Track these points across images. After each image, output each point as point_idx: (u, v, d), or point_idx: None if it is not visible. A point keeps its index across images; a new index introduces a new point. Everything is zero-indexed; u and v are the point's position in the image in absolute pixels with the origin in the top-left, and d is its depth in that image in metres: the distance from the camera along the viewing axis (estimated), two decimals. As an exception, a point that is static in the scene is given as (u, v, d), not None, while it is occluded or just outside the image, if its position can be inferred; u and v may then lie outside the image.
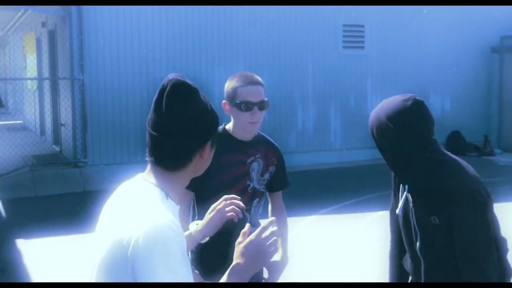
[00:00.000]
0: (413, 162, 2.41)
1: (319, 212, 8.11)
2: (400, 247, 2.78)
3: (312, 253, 6.40)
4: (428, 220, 2.44)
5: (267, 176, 2.94)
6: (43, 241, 6.86)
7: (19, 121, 18.54)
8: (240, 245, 1.88)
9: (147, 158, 1.78)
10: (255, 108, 2.77)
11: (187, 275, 1.62)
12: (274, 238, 1.88)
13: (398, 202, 2.68)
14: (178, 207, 1.79)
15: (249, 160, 2.87)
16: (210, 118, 1.78)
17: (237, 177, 2.84)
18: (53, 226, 7.31)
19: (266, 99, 2.83)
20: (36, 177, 9.84)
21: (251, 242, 1.87)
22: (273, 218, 1.99)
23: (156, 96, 1.75)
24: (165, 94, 1.72)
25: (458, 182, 2.36)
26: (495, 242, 2.42)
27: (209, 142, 1.79)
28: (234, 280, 1.82)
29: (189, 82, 1.76)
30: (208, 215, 2.28)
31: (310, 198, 8.79)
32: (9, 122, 18.36)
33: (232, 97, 2.78)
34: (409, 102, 2.37)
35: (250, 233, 2.83)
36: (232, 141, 2.86)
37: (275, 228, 1.90)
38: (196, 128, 1.74)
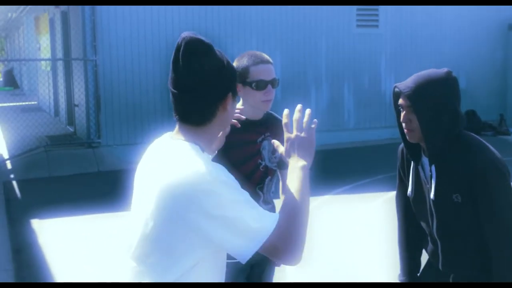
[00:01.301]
0: (453, 134, 2.40)
1: (332, 192, 8.10)
2: (408, 232, 2.76)
3: (325, 233, 6.40)
4: (449, 198, 2.41)
5: (278, 154, 2.92)
6: (58, 221, 6.91)
7: (33, 102, 18.64)
8: (290, 139, 1.93)
9: (174, 117, 1.82)
10: (269, 86, 2.78)
11: (248, 198, 1.71)
12: (314, 120, 1.97)
13: (407, 183, 2.66)
14: (210, 157, 1.83)
15: (260, 139, 2.88)
16: (227, 71, 1.81)
17: (248, 156, 2.85)
18: (68, 207, 7.36)
19: (276, 77, 2.85)
20: (51, 157, 9.90)
21: (298, 136, 1.96)
22: (300, 105, 2.01)
23: (173, 55, 1.79)
24: (181, 52, 1.76)
25: (484, 157, 2.35)
26: None
27: (230, 94, 1.82)
28: (301, 175, 1.83)
29: (203, 38, 1.79)
30: None
31: (323, 178, 8.77)
32: (24, 103, 18.47)
33: (244, 77, 2.77)
34: (452, 76, 2.41)
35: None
36: (243, 121, 2.85)
37: (308, 110, 1.99)
38: (214, 81, 1.77)
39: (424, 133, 2.40)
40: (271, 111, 2.99)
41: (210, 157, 1.81)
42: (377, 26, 12.28)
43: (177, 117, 1.82)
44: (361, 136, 12.02)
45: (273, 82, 2.80)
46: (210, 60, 1.77)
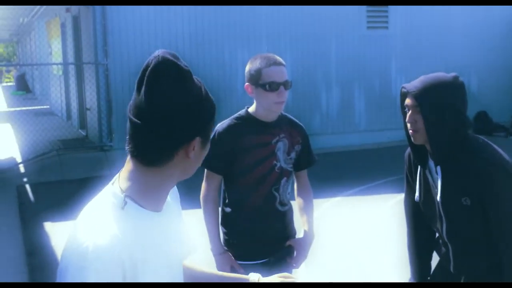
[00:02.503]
0: (459, 138, 2.40)
1: (344, 193, 8.09)
2: (417, 236, 2.76)
3: (337, 235, 6.40)
4: (458, 202, 2.41)
5: (293, 155, 2.96)
6: (70, 224, 6.92)
7: (45, 106, 18.76)
8: None
9: (126, 148, 1.50)
10: (281, 88, 2.79)
11: None
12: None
13: (415, 188, 2.66)
14: (150, 212, 1.49)
15: (274, 140, 2.88)
16: (201, 108, 1.46)
17: (263, 158, 2.86)
18: (80, 210, 7.37)
19: (289, 79, 2.86)
20: (63, 161, 9.97)
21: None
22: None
23: (139, 74, 1.46)
24: (148, 73, 1.43)
25: (492, 160, 2.35)
26: None
27: (198, 139, 1.46)
28: None
29: (180, 61, 1.47)
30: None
31: (335, 179, 8.77)
32: (36, 107, 18.59)
33: (256, 79, 2.79)
34: (460, 80, 2.41)
35: (281, 213, 2.88)
36: (256, 123, 2.87)
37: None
38: (181, 119, 1.42)
39: (429, 134, 2.40)
40: (285, 113, 3.01)
41: (139, 209, 1.47)
42: (386, 27, 12.26)
43: (129, 148, 1.48)
44: (372, 138, 12.00)
45: (285, 84, 2.81)
46: (182, 91, 1.43)
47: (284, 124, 2.95)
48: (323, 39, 11.68)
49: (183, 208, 1.79)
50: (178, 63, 1.46)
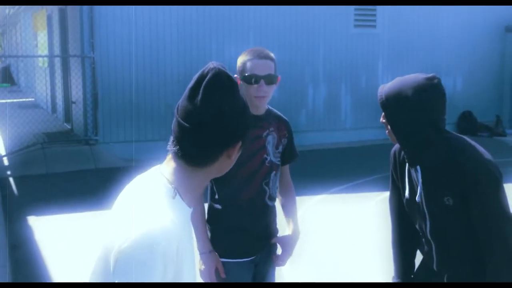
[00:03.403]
0: (428, 140, 2.40)
1: (329, 191, 8.12)
2: (401, 234, 2.78)
3: (321, 232, 6.42)
4: (441, 201, 2.42)
5: (281, 148, 2.95)
6: (54, 218, 6.92)
7: (30, 99, 18.61)
8: None
9: (170, 148, 1.62)
10: (262, 82, 2.74)
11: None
12: None
13: (399, 186, 2.67)
14: (190, 209, 1.64)
15: (265, 134, 2.87)
16: (246, 116, 1.63)
17: (255, 152, 2.83)
18: (64, 203, 7.37)
19: (274, 73, 2.80)
20: (48, 154, 9.90)
21: None
22: None
23: (192, 83, 1.60)
24: (205, 83, 1.57)
25: (475, 159, 2.35)
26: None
27: (240, 143, 1.64)
28: None
29: (231, 74, 1.62)
30: None
31: (320, 177, 8.80)
32: (21, 100, 18.43)
33: (242, 71, 2.78)
34: (434, 81, 2.39)
35: (269, 208, 2.86)
36: None
37: None
38: (231, 125, 1.59)
39: (396, 137, 2.44)
40: (271, 108, 2.98)
41: (185, 205, 1.61)
42: (374, 26, 12.30)
43: (175, 149, 1.61)
44: (358, 136, 12.05)
45: (266, 78, 2.75)
46: (233, 100, 1.59)
47: (272, 118, 2.93)
48: (311, 37, 11.70)
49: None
50: (230, 75, 1.61)
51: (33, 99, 18.28)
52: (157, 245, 1.45)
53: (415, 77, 2.42)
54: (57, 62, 13.35)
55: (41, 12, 14.96)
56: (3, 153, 10.24)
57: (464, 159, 2.35)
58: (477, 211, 2.35)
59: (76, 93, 10.98)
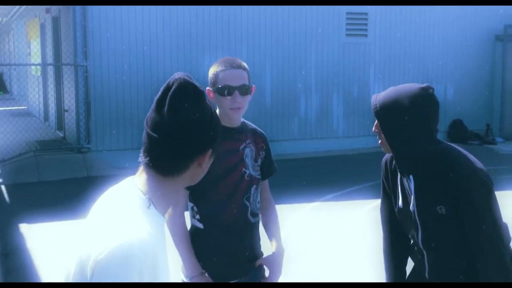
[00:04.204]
0: (421, 149, 2.41)
1: (321, 199, 8.14)
2: (393, 243, 2.78)
3: (314, 240, 6.44)
4: (433, 210, 2.42)
5: (259, 162, 2.84)
6: (46, 226, 6.91)
7: (23, 107, 18.57)
8: None
9: (141, 159, 1.65)
10: (236, 93, 2.63)
11: None
12: None
13: (390, 194, 2.69)
14: (163, 218, 1.65)
15: (242, 147, 2.75)
16: (214, 124, 1.67)
17: (233, 165, 2.72)
18: (56, 211, 7.35)
19: (248, 83, 2.68)
20: (40, 162, 9.89)
21: None
22: None
23: (159, 95, 1.64)
24: (170, 93, 1.61)
25: (467, 168, 2.37)
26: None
27: (210, 150, 1.67)
28: None
29: (197, 84, 1.65)
30: None
31: (312, 185, 8.82)
32: (14, 108, 18.40)
33: (214, 83, 2.67)
34: (429, 91, 2.40)
35: (252, 225, 2.77)
36: (222, 129, 2.73)
37: None
38: (199, 133, 1.62)
39: (390, 146, 2.45)
40: (246, 121, 2.86)
41: (159, 215, 1.62)
42: (366, 35, 12.37)
43: (146, 160, 1.63)
44: (350, 144, 12.09)
45: (240, 89, 2.64)
46: (200, 109, 1.62)
47: (247, 131, 2.81)
48: (303, 45, 11.75)
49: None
50: (196, 85, 1.64)
51: (25, 107, 18.24)
52: (133, 257, 1.46)
53: (410, 86, 2.43)
54: (50, 70, 13.35)
55: (34, 20, 14.96)
56: (-5, 161, 10.22)
57: (456, 168, 2.37)
58: (470, 219, 2.36)
59: (69, 101, 10.98)
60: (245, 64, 2.73)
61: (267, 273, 2.86)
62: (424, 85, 2.44)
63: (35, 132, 11.44)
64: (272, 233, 2.89)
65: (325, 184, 8.92)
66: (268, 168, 2.90)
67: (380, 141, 2.51)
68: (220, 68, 2.67)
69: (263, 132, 2.93)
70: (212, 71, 2.71)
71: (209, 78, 2.71)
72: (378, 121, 2.45)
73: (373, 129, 2.50)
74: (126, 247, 1.47)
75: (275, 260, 2.82)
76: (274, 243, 2.85)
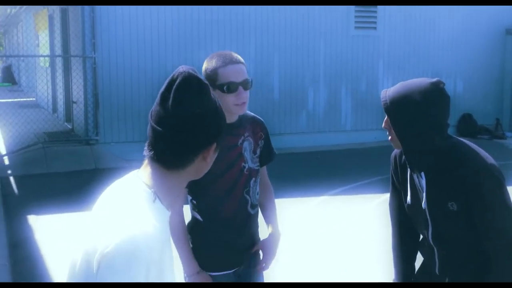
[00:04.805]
0: (432, 145, 2.39)
1: (329, 193, 8.12)
2: (402, 238, 2.77)
3: (322, 233, 6.43)
4: (445, 206, 2.40)
5: (258, 152, 2.84)
6: (54, 217, 6.93)
7: (31, 98, 18.63)
8: None
9: (146, 153, 1.65)
10: (240, 88, 2.59)
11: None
12: None
13: (400, 189, 2.67)
14: (168, 212, 1.65)
15: (240, 141, 2.74)
16: (218, 118, 1.65)
17: (233, 161, 2.71)
18: (65, 203, 7.37)
19: (249, 77, 2.65)
20: (48, 154, 9.91)
21: None
22: None
23: (163, 88, 1.62)
24: (175, 86, 1.59)
25: (478, 164, 2.34)
26: None
27: (215, 144, 1.65)
28: None
29: (201, 77, 1.63)
30: None
31: (320, 179, 8.81)
32: (22, 99, 18.46)
33: (213, 79, 2.58)
34: (440, 86, 2.37)
35: (251, 216, 2.76)
36: None
37: None
38: (204, 127, 1.60)
39: (401, 142, 2.42)
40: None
41: (164, 208, 1.62)
42: (375, 28, 12.30)
43: (150, 153, 1.62)
44: (358, 138, 12.06)
45: (244, 84, 2.60)
46: (204, 102, 1.60)
47: (246, 122, 2.78)
48: (311, 39, 11.70)
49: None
50: (200, 78, 1.62)
51: (34, 99, 18.29)
52: (139, 251, 1.46)
53: (420, 81, 2.40)
54: (58, 62, 13.37)
55: (43, 12, 14.97)
56: (4, 152, 10.25)
57: (467, 163, 2.34)
58: (481, 215, 2.34)
59: (77, 93, 11.00)
60: (241, 58, 2.69)
61: (262, 255, 2.91)
62: (435, 79, 2.40)
63: (44, 124, 11.47)
64: (269, 218, 2.94)
65: (333, 178, 8.90)
66: (267, 155, 2.90)
67: (390, 137, 2.48)
68: (218, 64, 2.59)
69: (262, 120, 2.91)
70: (208, 67, 2.62)
71: (205, 74, 2.63)
72: (388, 116, 2.42)
73: (383, 125, 2.47)
74: (132, 241, 1.46)
75: (270, 244, 2.87)
76: (270, 226, 2.91)
